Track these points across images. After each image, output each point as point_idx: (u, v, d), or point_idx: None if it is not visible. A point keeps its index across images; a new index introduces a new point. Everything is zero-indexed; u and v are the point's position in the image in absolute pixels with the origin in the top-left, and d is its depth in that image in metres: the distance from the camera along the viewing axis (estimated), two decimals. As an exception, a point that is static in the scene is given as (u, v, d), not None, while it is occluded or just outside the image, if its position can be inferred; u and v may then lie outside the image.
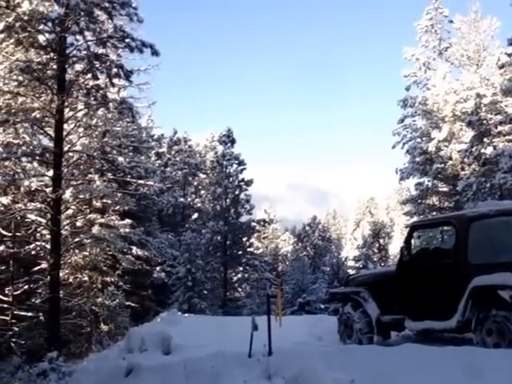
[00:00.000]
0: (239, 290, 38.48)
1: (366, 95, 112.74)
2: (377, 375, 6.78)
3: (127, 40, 17.38)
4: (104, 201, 24.10)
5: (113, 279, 24.05)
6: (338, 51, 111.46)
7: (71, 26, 16.87)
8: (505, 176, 22.73)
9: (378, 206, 66.10)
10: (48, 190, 18.32)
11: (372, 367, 7.02)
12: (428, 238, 23.51)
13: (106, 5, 17.18)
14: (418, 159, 29.25)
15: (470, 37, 29.94)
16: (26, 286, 21.03)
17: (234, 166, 35.97)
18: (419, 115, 30.78)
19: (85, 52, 17.36)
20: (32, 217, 19.26)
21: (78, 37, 17.24)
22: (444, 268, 8.67)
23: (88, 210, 23.19)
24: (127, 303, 24.29)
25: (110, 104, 18.47)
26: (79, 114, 18.77)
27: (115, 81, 17.75)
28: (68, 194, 20.25)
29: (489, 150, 25.33)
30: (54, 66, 17.31)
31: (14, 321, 20.09)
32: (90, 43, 17.35)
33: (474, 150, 25.70)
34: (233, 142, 36.03)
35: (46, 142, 19.05)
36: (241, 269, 36.88)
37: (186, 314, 18.88)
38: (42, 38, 16.87)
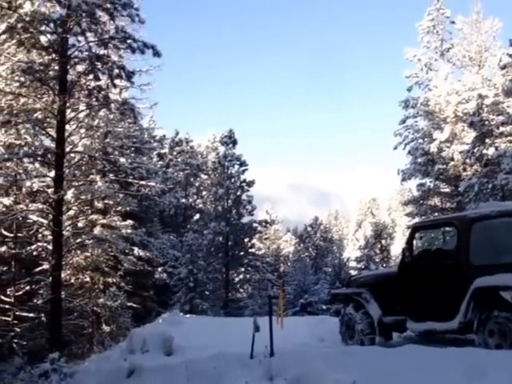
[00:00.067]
0: (241, 290, 38.49)
1: (367, 96, 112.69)
2: (379, 376, 6.77)
3: (129, 41, 17.39)
4: (106, 202, 24.12)
5: (114, 280, 24.06)
6: (339, 52, 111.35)
7: (73, 27, 16.90)
8: (507, 177, 22.71)
9: (379, 206, 66.00)
10: (50, 190, 18.33)
11: (374, 368, 7.01)
12: (430, 238, 23.47)
13: (108, 6, 17.19)
14: (419, 160, 29.22)
15: (471, 37, 29.91)
16: (28, 287, 21.05)
17: (236, 166, 36.02)
18: (421, 116, 30.75)
19: (86, 53, 17.39)
20: (34, 217, 19.29)
21: (79, 38, 17.29)
22: (446, 269, 8.66)
23: (90, 211, 23.24)
24: (129, 304, 24.28)
25: (112, 105, 18.51)
26: (81, 115, 18.80)
27: (117, 82, 17.77)
28: (70, 195, 20.28)
29: (491, 151, 25.28)
30: (56, 67, 17.33)
31: (15, 321, 20.13)
32: (91, 44, 17.37)
33: (475, 150, 25.65)
34: (234, 142, 36.05)
35: (47, 142, 19.08)
36: (242, 270, 36.89)
37: (188, 315, 18.87)
38: (43, 39, 16.88)
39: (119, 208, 24.19)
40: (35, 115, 17.90)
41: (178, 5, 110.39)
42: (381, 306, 9.64)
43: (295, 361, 7.70)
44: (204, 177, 42.24)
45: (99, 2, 16.86)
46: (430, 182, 29.60)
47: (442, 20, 31.89)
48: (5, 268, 21.51)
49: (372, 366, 7.13)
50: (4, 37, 16.72)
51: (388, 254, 46.86)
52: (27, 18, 16.30)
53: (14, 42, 16.70)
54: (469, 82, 28.51)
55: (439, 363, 6.82)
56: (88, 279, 23.18)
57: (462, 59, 30.15)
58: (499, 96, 25.82)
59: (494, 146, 25.48)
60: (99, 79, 17.39)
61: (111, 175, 24.44)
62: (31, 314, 20.42)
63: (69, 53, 17.37)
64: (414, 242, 9.94)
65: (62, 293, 18.27)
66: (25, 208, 18.89)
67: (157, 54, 17.47)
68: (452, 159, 28.02)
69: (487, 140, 25.52)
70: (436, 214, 28.36)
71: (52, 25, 16.74)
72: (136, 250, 26.04)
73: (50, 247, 18.46)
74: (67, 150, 18.35)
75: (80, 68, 17.88)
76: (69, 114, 18.04)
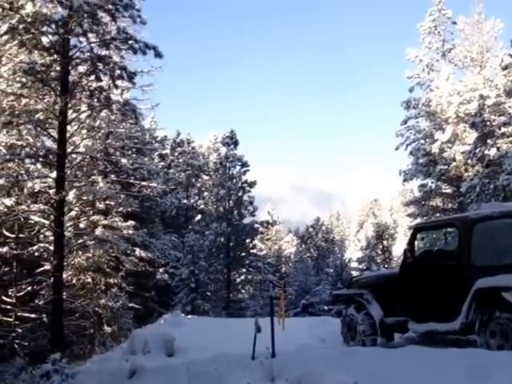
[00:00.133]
0: (242, 291, 38.49)
1: (369, 96, 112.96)
2: (380, 377, 6.76)
3: (130, 42, 17.37)
4: (107, 202, 24.12)
5: (116, 281, 24.04)
6: (341, 53, 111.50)
7: (74, 28, 16.89)
8: (508, 177, 22.68)
9: (381, 207, 66.08)
10: (51, 191, 18.33)
11: (375, 369, 7.01)
12: (431, 239, 23.33)
13: (110, 7, 17.18)
14: (421, 161, 29.23)
15: (473, 38, 29.92)
16: (30, 288, 21.03)
17: (237, 167, 36.01)
18: (422, 117, 30.75)
19: (88, 54, 17.37)
20: (35, 218, 19.29)
21: (81, 38, 17.27)
22: (447, 270, 8.66)
23: (91, 212, 23.22)
24: (130, 305, 24.27)
25: (114, 106, 18.51)
26: (82, 116, 18.79)
27: (118, 82, 17.76)
28: (71, 196, 20.26)
29: (492, 152, 25.26)
30: (58, 68, 17.32)
31: (17, 322, 20.11)
32: (93, 45, 17.34)
33: (477, 151, 25.64)
34: (236, 143, 36.05)
35: (49, 143, 19.07)
36: (244, 270, 36.88)
37: (189, 316, 18.88)
38: (45, 40, 16.88)
39: (121, 209, 24.17)
40: (37, 116, 17.89)
41: (180, 6, 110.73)
42: (382, 307, 9.64)
43: (297, 362, 7.70)
44: (205, 177, 42.25)
45: (101, 2, 16.86)
46: (432, 182, 29.61)
47: (443, 20, 31.90)
48: (6, 269, 21.48)
49: (373, 367, 7.12)
50: (6, 38, 16.70)
51: (390, 255, 46.81)
52: (29, 19, 16.29)
53: (15, 42, 16.68)
54: (470, 82, 28.50)
55: (441, 364, 6.82)
56: (89, 280, 23.18)
57: (463, 60, 30.16)
58: (501, 97, 25.80)
59: (495, 147, 25.46)
60: (101, 80, 17.39)
61: (113, 176, 24.47)
62: (33, 315, 20.40)
63: (70, 54, 17.35)
64: (416, 242, 9.95)
65: (64, 293, 18.26)
66: (26, 209, 18.89)
67: (158, 54, 17.46)
68: (454, 160, 28.01)
69: (489, 141, 25.50)
70: (438, 214, 28.34)
71: (54, 26, 16.73)
72: (137, 251, 26.05)
73: (52, 248, 18.45)
74: (69, 150, 18.35)
75: (81, 69, 17.87)
76: (70, 114, 18.03)
